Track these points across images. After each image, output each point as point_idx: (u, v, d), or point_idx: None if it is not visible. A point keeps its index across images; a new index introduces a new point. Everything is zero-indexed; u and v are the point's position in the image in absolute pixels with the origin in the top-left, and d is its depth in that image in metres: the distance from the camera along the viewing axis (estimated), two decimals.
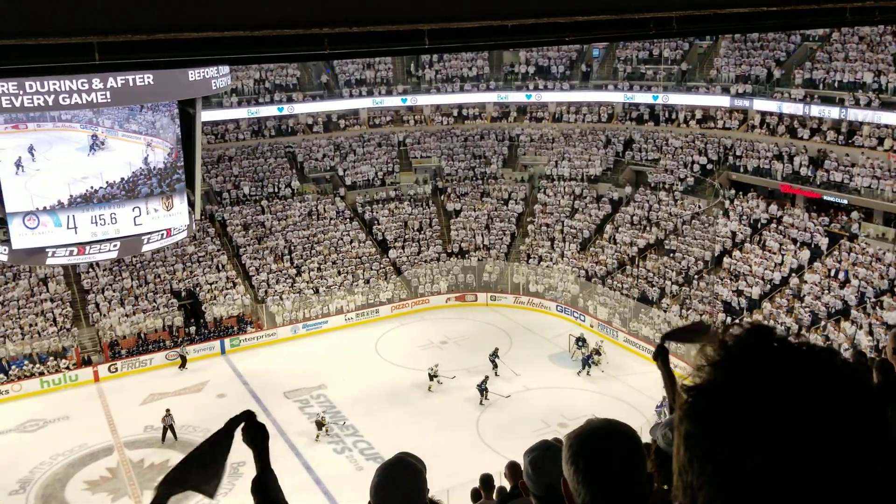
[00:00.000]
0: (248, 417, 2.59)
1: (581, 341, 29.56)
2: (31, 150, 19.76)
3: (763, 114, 36.30)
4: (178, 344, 31.00)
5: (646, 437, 3.07)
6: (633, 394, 26.62)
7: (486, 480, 8.88)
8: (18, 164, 19.63)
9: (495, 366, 28.33)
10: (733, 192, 35.04)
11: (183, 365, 30.23)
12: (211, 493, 2.38)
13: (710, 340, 0.94)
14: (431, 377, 27.52)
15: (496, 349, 28.82)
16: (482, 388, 26.44)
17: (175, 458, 23.64)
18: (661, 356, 3.62)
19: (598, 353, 29.25)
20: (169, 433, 24.68)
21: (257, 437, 2.60)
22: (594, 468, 1.63)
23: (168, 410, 24.86)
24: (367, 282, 35.45)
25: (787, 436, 0.80)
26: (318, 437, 24.55)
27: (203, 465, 2.43)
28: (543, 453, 2.81)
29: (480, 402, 26.44)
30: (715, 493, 0.84)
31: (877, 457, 0.80)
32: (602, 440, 1.68)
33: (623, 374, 28.70)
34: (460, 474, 18.91)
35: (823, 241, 30.35)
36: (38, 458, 23.75)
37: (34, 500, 21.79)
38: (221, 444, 2.49)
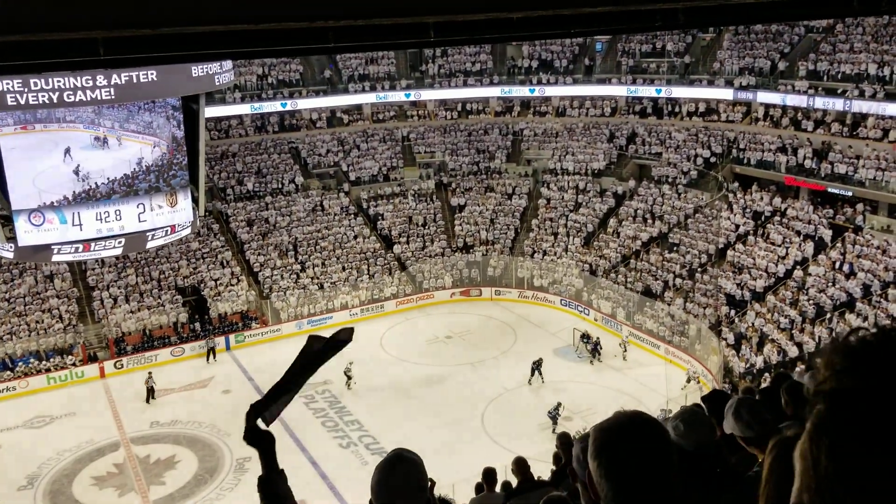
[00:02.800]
0: (251, 422, 2.65)
1: (586, 337, 29.61)
2: (67, 151, 20.42)
3: (767, 106, 36.18)
4: (202, 336, 31.33)
5: None
6: (637, 387, 26.64)
7: (489, 474, 8.91)
8: (67, 152, 20.44)
9: (532, 375, 27.45)
10: (737, 184, 34.96)
11: (211, 356, 30.60)
12: (267, 421, 2.61)
13: (831, 348, 0.87)
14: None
15: (540, 359, 27.58)
16: (553, 415, 24.25)
17: (181, 454, 23.75)
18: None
19: (624, 347, 29.69)
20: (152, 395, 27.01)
21: (259, 442, 2.64)
22: (617, 463, 1.57)
23: (150, 373, 27.43)
24: (372, 277, 35.48)
25: None
26: (349, 385, 27.34)
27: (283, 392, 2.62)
28: None
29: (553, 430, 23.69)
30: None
31: None
32: (628, 434, 1.60)
33: (627, 368, 28.73)
34: (465, 469, 18.95)
35: (828, 234, 30.27)
36: (46, 453, 23.86)
37: (42, 496, 21.89)
38: (301, 374, 2.64)
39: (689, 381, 26.55)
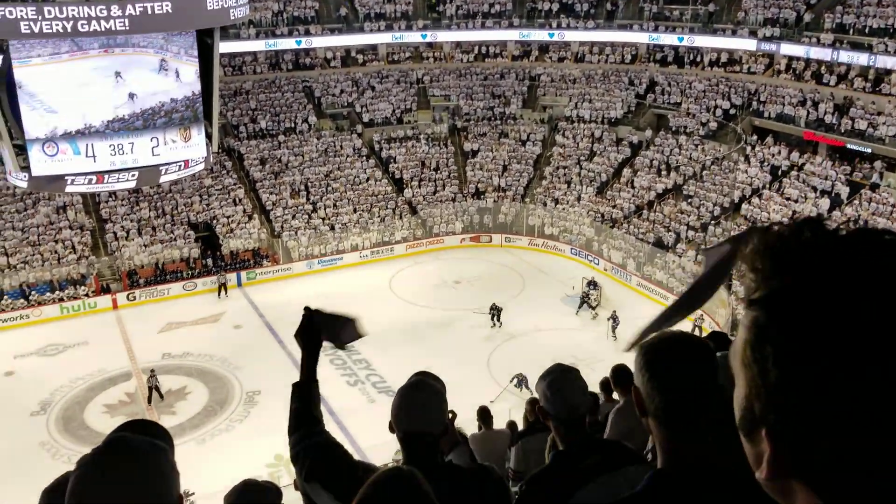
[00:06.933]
0: (307, 314, 2.65)
1: (592, 284, 29.56)
2: (117, 74, 20.84)
3: (790, 58, 35.49)
4: (214, 272, 31.45)
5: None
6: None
7: (484, 412, 9.04)
8: (118, 75, 20.92)
9: (492, 319, 27.70)
10: (755, 137, 34.51)
11: (222, 292, 30.76)
12: (343, 345, 2.76)
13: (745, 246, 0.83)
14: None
15: (495, 304, 27.84)
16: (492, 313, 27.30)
17: (192, 385, 24.18)
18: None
19: (613, 320, 28.63)
20: (155, 394, 23.03)
21: (310, 339, 2.63)
22: (666, 375, 1.66)
23: (153, 371, 23.22)
24: (383, 220, 35.49)
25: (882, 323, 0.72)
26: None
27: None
28: (561, 375, 2.84)
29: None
30: (817, 399, 0.74)
31: None
32: (675, 349, 1.70)
33: (635, 318, 28.78)
34: (472, 410, 19.26)
35: (844, 190, 29.98)
36: (59, 381, 24.30)
37: (55, 422, 22.40)
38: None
39: (693, 329, 26.50)
